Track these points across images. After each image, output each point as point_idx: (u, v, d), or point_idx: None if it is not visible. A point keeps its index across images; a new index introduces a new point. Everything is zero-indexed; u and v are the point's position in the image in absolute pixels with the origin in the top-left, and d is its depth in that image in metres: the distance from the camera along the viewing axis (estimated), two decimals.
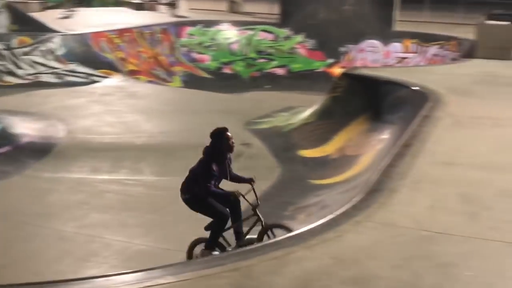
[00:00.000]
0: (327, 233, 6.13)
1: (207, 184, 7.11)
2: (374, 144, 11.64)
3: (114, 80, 19.93)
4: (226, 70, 24.42)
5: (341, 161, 11.99)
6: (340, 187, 10.11)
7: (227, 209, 7.39)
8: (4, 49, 19.45)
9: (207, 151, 7.31)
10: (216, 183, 7.30)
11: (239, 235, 7.57)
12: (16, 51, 19.61)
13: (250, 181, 7.51)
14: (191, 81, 22.83)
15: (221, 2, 30.59)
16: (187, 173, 11.79)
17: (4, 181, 11.53)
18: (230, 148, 7.35)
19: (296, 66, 24.57)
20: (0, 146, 12.92)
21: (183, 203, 10.34)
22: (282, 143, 13.67)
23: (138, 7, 30.27)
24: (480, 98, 12.28)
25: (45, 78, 19.54)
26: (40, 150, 12.99)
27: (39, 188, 11.11)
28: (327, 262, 5.49)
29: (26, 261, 8.29)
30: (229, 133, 7.33)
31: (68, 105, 16.66)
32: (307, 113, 15.17)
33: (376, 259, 5.58)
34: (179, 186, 11.11)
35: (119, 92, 18.39)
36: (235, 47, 25.03)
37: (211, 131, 7.40)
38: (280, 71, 24.49)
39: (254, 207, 7.45)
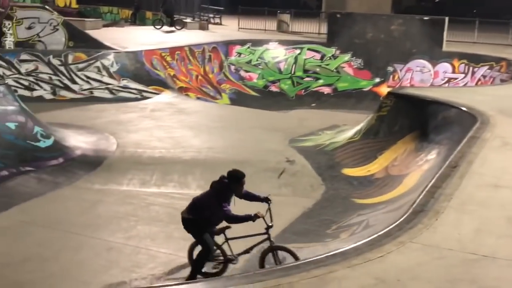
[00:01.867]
0: (369, 252, 6.01)
1: (222, 212, 7.50)
2: (420, 164, 11.41)
3: (165, 97, 20.15)
4: (273, 88, 24.43)
5: (385, 181, 11.78)
6: (384, 207, 9.93)
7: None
8: (60, 65, 19.94)
9: (220, 190, 7.62)
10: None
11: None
12: (72, 66, 20.02)
13: (267, 200, 7.81)
14: (239, 99, 22.95)
15: (271, 21, 30.74)
16: None
17: (55, 191, 11.78)
18: (240, 195, 7.74)
19: (342, 85, 24.38)
20: (53, 157, 13.19)
21: None
22: (326, 161, 13.54)
23: (189, 26, 30.69)
24: None
25: (99, 93, 19.87)
26: (92, 163, 13.22)
27: (89, 200, 11.29)
28: (369, 283, 5.38)
29: (74, 270, 8.41)
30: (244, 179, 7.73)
31: (119, 119, 16.94)
32: (352, 131, 15.00)
33: (419, 281, 5.43)
34: None
35: (169, 108, 18.62)
36: (282, 65, 25.06)
37: (231, 171, 7.74)
38: (326, 90, 24.35)
39: (268, 227, 7.68)
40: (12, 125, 13.45)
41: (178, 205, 11.05)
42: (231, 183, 7.62)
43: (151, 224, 10.13)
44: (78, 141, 14.38)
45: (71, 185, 12.14)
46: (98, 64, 20.36)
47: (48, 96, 19.40)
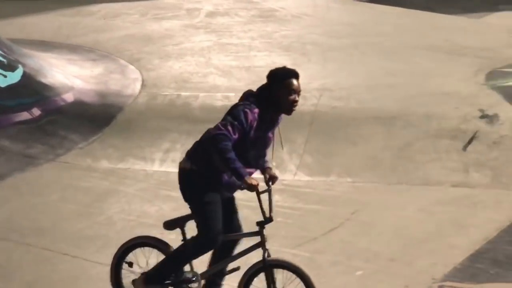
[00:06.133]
0: None
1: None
2: None
3: None
4: None
5: None
6: None
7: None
8: None
9: (254, 96, 7.75)
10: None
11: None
12: None
13: (269, 177, 7.92)
14: None
15: None
16: (371, 169, 11.98)
17: (25, 172, 12.13)
18: (289, 108, 7.73)
19: None
20: (22, 107, 13.58)
21: (357, 230, 10.48)
22: None
23: None
24: None
25: None
26: (94, 118, 13.58)
27: (90, 189, 11.51)
28: None
29: None
30: (296, 82, 7.79)
31: (147, 32, 17.20)
32: None
33: None
34: (353, 196, 11.32)
35: (244, 10, 18.71)
36: None
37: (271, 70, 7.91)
38: None
39: (264, 221, 7.81)
40: None
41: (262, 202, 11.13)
42: (274, 89, 7.74)
43: None
44: (69, 76, 14.70)
45: (55, 161, 12.48)
46: None
47: None
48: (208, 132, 7.68)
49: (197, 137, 12.42)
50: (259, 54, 15.95)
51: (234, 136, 7.36)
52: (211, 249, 7.91)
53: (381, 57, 15.88)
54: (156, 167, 12.30)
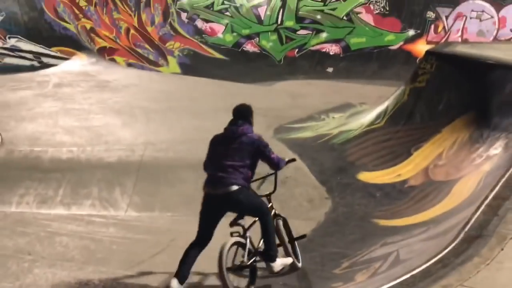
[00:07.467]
0: None
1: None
2: (479, 164, 11.47)
3: (77, 63, 20.09)
4: (248, 47, 24.33)
5: (425, 190, 11.81)
6: (423, 231, 9.96)
7: None
8: None
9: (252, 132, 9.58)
10: None
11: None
12: None
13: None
14: (194, 64, 22.80)
15: None
16: (186, 205, 11.99)
17: None
18: None
19: (357, 41, 24.38)
20: None
21: (176, 253, 10.43)
22: (333, 161, 13.56)
23: None
24: None
25: None
26: None
27: None
28: None
29: None
30: None
31: (5, 100, 16.87)
32: (372, 114, 15.01)
33: None
34: (172, 226, 11.31)
35: (84, 82, 18.62)
36: (262, 11, 24.95)
37: (239, 106, 9.96)
38: (332, 49, 24.32)
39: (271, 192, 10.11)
40: None
41: (99, 234, 11.00)
42: (250, 119, 9.73)
43: (57, 266, 10.01)
44: None
45: None
46: None
47: None
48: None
49: (49, 184, 12.42)
50: (96, 116, 15.94)
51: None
52: None
53: (192, 117, 16.05)
54: (13, 208, 12.06)
